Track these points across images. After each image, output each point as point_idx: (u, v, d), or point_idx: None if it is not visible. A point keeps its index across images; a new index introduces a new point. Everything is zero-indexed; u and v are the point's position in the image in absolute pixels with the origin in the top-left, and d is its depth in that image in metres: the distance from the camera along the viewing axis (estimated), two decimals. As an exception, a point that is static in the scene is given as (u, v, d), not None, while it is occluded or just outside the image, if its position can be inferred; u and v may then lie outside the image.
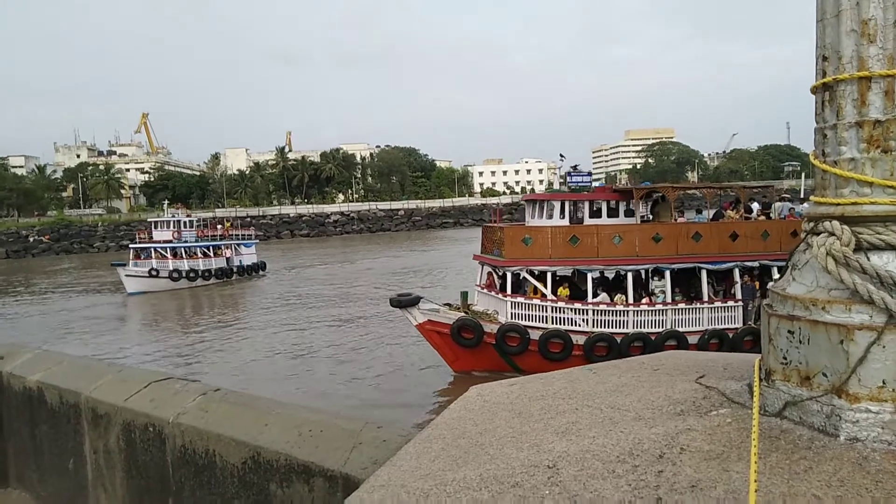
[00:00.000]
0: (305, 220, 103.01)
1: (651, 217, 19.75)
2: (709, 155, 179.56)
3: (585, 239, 17.38)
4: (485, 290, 18.62)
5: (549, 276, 17.28)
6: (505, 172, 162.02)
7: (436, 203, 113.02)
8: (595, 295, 17.23)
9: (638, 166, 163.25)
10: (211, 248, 45.47)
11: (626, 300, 17.10)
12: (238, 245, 48.55)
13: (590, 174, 23.50)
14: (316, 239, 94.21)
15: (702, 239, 17.42)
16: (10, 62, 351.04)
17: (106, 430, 3.25)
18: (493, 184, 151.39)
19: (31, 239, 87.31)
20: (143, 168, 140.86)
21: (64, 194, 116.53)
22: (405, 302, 18.30)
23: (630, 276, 17.23)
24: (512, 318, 17.15)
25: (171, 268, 42.23)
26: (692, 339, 16.40)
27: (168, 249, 43.33)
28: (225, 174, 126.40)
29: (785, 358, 1.80)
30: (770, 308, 1.92)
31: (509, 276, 17.57)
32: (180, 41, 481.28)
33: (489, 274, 18.59)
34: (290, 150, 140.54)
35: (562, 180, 23.11)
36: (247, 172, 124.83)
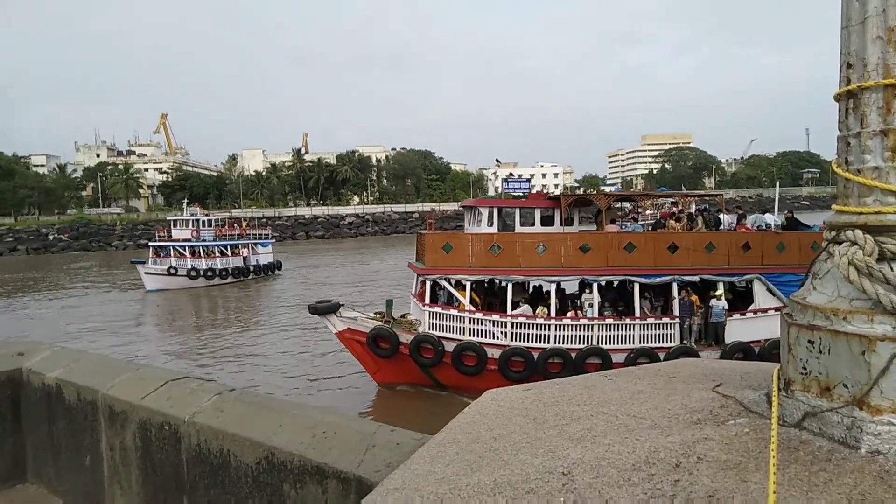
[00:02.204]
0: (320, 222, 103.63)
1: (596, 227, 18.94)
2: (726, 161, 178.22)
3: (507, 247, 16.71)
4: (415, 300, 18.21)
5: (468, 285, 16.70)
6: (520, 176, 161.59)
7: (451, 206, 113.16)
8: (516, 306, 16.57)
9: (654, 172, 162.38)
10: (228, 247, 45.94)
11: (548, 313, 16.37)
12: (255, 244, 49.01)
13: (528, 180, 23.08)
14: (331, 240, 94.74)
15: (635, 250, 16.54)
16: (33, 63, 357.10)
17: (122, 427, 3.29)
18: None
19: (51, 237, 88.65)
20: (162, 168, 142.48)
21: (84, 193, 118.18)
22: (322, 308, 17.78)
23: (553, 288, 16.51)
24: (430, 328, 16.62)
25: (189, 266, 42.75)
26: (617, 358, 15.59)
27: (187, 248, 43.82)
28: (242, 175, 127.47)
29: (804, 368, 1.78)
30: (790, 317, 1.90)
31: (428, 284, 17.00)
32: (199, 43, 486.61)
33: (422, 283, 17.91)
34: (307, 152, 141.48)
35: (504, 186, 22.33)
36: (263, 173, 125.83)
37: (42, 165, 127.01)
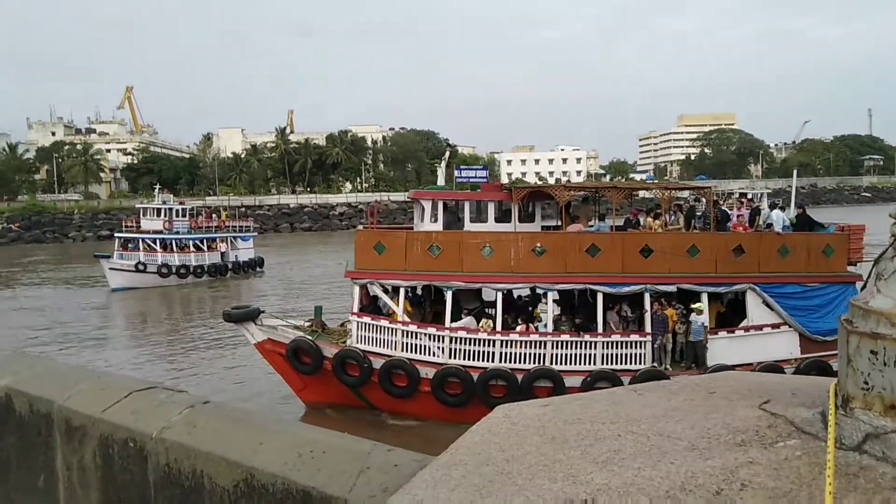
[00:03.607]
0: (307, 212, 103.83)
1: (563, 224, 18.13)
2: (775, 146, 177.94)
3: (448, 248, 16.13)
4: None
5: (402, 291, 16.28)
6: (537, 161, 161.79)
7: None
8: (456, 318, 16.10)
9: (692, 157, 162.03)
10: (205, 241, 45.95)
11: (494, 326, 15.89)
12: (234, 238, 49.07)
13: (485, 168, 22.65)
14: (319, 233, 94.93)
15: (599, 254, 15.84)
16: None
17: (81, 443, 3.30)
18: (523, 173, 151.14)
19: (0, 227, 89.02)
20: (126, 149, 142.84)
21: (37, 177, 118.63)
22: (238, 315, 17.38)
23: (499, 297, 15.99)
24: (359, 341, 16.19)
25: (160, 262, 42.80)
26: (572, 381, 15.00)
27: (158, 241, 43.82)
28: (217, 157, 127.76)
29: (866, 383, 1.77)
30: (849, 324, 1.89)
31: (356, 289, 16.56)
32: (170, 6, 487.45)
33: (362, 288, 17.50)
34: (292, 132, 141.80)
35: (457, 174, 21.58)
36: (242, 156, 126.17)
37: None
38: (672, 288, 15.87)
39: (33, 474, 3.62)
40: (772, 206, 19.42)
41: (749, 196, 25.92)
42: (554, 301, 17.19)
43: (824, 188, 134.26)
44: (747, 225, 17.68)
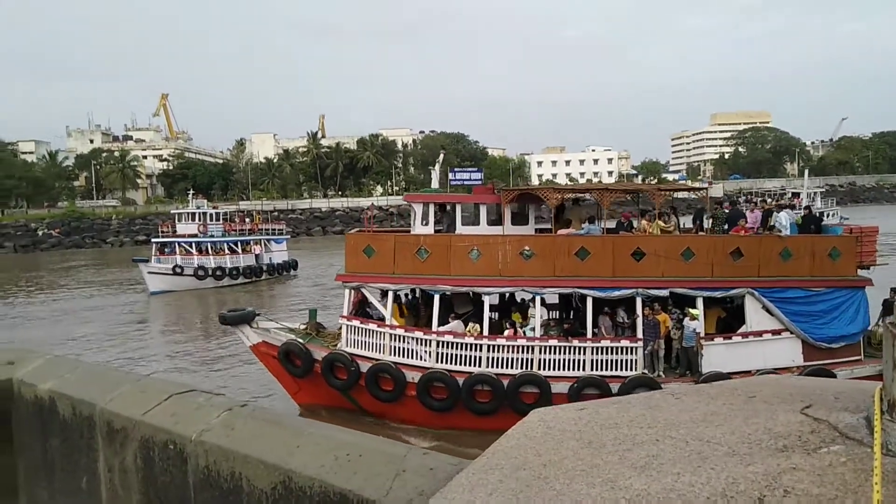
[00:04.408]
0: (339, 215, 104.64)
1: (557, 227, 17.74)
2: (812, 143, 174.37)
3: (436, 252, 15.96)
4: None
5: (390, 295, 16.26)
6: (568, 162, 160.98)
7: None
8: (444, 322, 15.94)
9: (726, 156, 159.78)
10: (239, 243, 46.70)
11: (481, 331, 15.68)
12: (268, 241, 49.77)
13: (480, 170, 22.32)
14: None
15: (589, 257, 15.52)
16: (20, 38, 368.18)
17: (122, 446, 3.36)
18: (554, 175, 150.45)
19: (41, 232, 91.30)
20: (162, 155, 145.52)
21: (76, 183, 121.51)
22: (233, 318, 17.45)
23: (487, 301, 15.81)
24: (347, 344, 16.25)
25: (196, 265, 43.57)
26: (559, 387, 14.75)
27: (193, 244, 44.65)
28: (250, 162, 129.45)
29: (913, 387, 1.73)
30: (894, 326, 1.85)
31: (347, 293, 16.58)
32: (203, 14, 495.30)
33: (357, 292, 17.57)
34: (324, 136, 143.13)
35: (451, 177, 21.36)
36: (274, 161, 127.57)
37: (30, 153, 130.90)
38: (664, 292, 15.46)
39: (76, 476, 3.70)
40: (779, 207, 18.69)
41: (801, 195, 25.30)
42: (547, 305, 16.93)
43: (863, 186, 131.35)
44: (759, 227, 17.07)
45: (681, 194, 30.90)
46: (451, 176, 21.17)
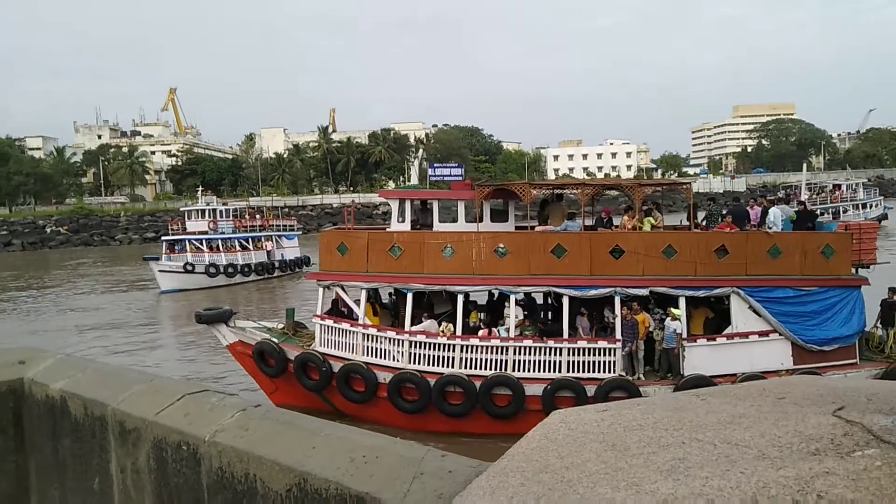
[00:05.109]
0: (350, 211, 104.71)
1: (539, 223, 17.77)
2: (838, 135, 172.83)
3: (409, 249, 15.95)
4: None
5: (363, 293, 16.28)
6: (585, 156, 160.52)
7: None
8: (417, 321, 15.94)
9: (749, 149, 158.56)
10: (250, 240, 46.96)
11: (454, 330, 15.63)
12: (279, 237, 49.98)
13: (461, 166, 22.22)
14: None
15: (566, 254, 15.35)
16: (27, 33, 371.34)
17: (135, 446, 3.39)
18: (571, 169, 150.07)
19: (49, 230, 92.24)
20: (170, 151, 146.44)
21: (84, 180, 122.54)
22: (208, 317, 17.53)
23: (460, 300, 15.77)
24: (322, 344, 16.31)
25: (207, 262, 43.82)
26: (533, 389, 14.62)
27: (204, 242, 44.90)
28: (260, 158, 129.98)
29: (952, 389, 1.70)
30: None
31: (321, 291, 16.65)
32: (213, 7, 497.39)
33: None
34: (334, 131, 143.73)
35: (431, 172, 21.77)
36: (285, 156, 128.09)
37: (38, 149, 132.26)
38: (644, 291, 15.25)
39: (88, 476, 3.73)
40: (770, 202, 18.17)
41: (842, 187, 24.82)
42: (520, 304, 16.88)
43: (892, 179, 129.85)
44: (758, 223, 16.68)
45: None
46: (430, 172, 21.23)
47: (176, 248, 45.33)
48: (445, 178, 20.03)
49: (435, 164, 21.54)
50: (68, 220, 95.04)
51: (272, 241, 49.02)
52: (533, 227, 17.61)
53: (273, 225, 52.04)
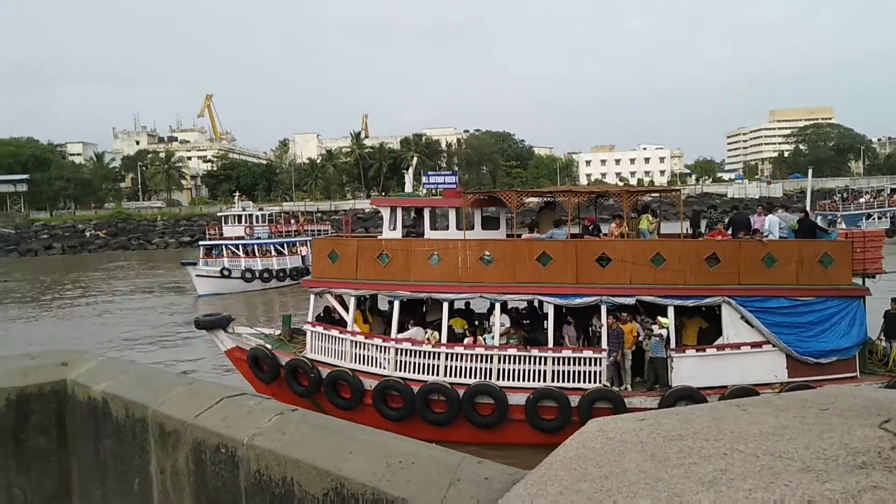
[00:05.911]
0: (382, 217, 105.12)
1: (531, 230, 17.60)
2: (879, 140, 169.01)
3: (396, 257, 15.98)
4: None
5: (352, 301, 16.27)
6: (618, 161, 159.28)
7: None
8: (403, 329, 15.92)
9: (786, 154, 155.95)
10: (285, 245, 47.43)
11: (440, 338, 15.51)
12: None
13: (454, 174, 22.05)
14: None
15: (551, 262, 15.15)
16: (66, 40, 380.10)
17: (174, 448, 3.44)
18: (603, 174, 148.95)
19: (88, 234, 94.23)
20: (206, 156, 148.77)
21: (122, 185, 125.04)
22: (206, 323, 17.66)
23: (445, 308, 15.71)
24: (311, 350, 16.35)
25: (243, 267, 44.36)
26: (516, 399, 14.46)
27: (240, 247, 45.47)
28: (294, 163, 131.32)
29: None
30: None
31: (313, 298, 16.73)
32: (247, 14, 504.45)
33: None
34: (367, 136, 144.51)
35: (424, 180, 21.51)
36: (318, 161, 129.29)
37: (78, 154, 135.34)
38: (630, 300, 14.96)
39: (129, 478, 3.79)
40: (769, 209, 17.68)
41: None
42: (522, 312, 16.83)
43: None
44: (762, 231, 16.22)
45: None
46: (424, 179, 21.33)
47: (213, 252, 45.99)
48: (439, 186, 20.09)
49: (429, 172, 21.57)
50: (107, 224, 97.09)
51: (307, 245, 49.49)
52: (520, 235, 17.61)
53: (308, 230, 52.55)
